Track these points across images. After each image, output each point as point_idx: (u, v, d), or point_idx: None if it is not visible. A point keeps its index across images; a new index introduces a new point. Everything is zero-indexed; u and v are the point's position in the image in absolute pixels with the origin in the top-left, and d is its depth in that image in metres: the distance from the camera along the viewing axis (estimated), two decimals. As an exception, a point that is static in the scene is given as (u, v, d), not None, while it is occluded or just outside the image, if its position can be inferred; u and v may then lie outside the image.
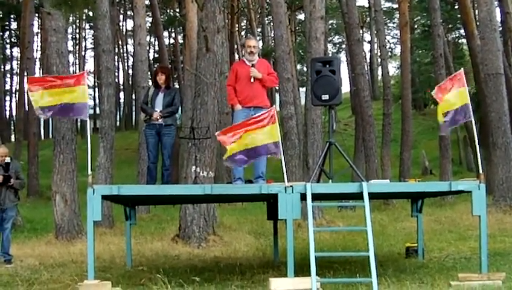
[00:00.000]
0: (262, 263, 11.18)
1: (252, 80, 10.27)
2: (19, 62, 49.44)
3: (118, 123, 57.45)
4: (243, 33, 50.91)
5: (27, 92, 9.93)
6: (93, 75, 48.36)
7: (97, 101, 49.76)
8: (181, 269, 10.44)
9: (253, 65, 10.38)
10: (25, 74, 34.47)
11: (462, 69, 9.67)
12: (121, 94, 62.77)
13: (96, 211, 8.36)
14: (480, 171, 9.21)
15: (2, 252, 12.04)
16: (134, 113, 60.41)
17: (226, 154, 8.48)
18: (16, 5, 47.83)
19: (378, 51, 46.15)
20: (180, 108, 11.86)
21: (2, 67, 55.16)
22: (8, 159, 12.13)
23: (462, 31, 42.52)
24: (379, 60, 42.03)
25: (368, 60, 60.06)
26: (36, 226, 19.16)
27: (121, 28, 58.84)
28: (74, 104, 8.74)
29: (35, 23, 43.42)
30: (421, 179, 12.18)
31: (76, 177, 15.63)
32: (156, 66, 47.51)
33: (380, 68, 40.83)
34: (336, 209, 21.15)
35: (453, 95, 9.21)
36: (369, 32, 59.19)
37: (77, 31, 63.90)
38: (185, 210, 14.14)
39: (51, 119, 29.02)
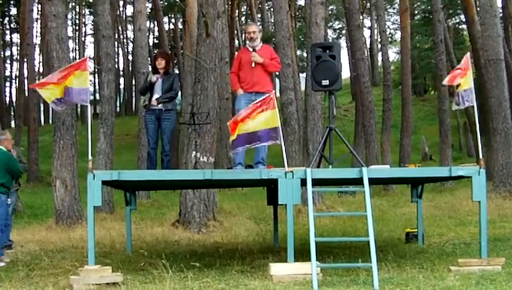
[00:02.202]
0: (262, 248, 11.20)
1: (253, 64, 10.21)
2: (18, 48, 49.32)
3: (118, 109, 57.43)
4: (243, 19, 50.77)
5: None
6: (93, 60, 48.17)
7: (97, 86, 49.67)
8: (181, 255, 10.46)
9: (254, 50, 10.32)
10: (25, 59, 34.44)
11: (468, 53, 9.67)
12: (121, 80, 62.81)
13: (97, 196, 8.36)
14: (480, 157, 9.19)
15: (3, 237, 12.05)
16: (134, 98, 60.39)
17: (232, 138, 8.52)
18: (15, -9, 47.74)
19: (379, 36, 46.05)
20: (179, 93, 11.79)
21: (2, 53, 55.03)
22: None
23: (462, 17, 42.43)
24: (379, 45, 41.89)
25: (368, 46, 59.82)
26: (36, 211, 19.20)
27: (121, 13, 58.66)
28: (75, 89, 8.72)
29: (35, 8, 43.27)
30: (421, 165, 12.17)
31: (76, 162, 15.63)
32: (155, 51, 47.43)
33: (380, 54, 40.71)
34: (336, 195, 21.19)
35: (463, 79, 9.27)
36: (369, 18, 58.94)
37: (77, 16, 63.72)
38: (185, 195, 14.15)
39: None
